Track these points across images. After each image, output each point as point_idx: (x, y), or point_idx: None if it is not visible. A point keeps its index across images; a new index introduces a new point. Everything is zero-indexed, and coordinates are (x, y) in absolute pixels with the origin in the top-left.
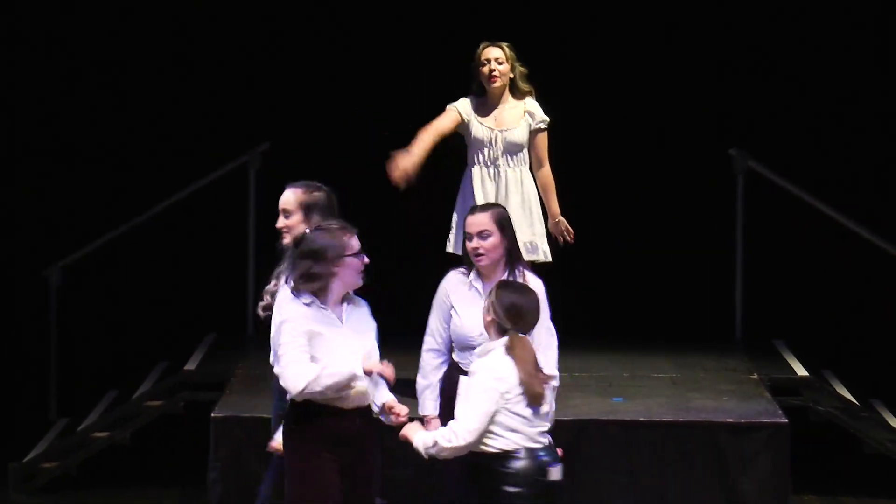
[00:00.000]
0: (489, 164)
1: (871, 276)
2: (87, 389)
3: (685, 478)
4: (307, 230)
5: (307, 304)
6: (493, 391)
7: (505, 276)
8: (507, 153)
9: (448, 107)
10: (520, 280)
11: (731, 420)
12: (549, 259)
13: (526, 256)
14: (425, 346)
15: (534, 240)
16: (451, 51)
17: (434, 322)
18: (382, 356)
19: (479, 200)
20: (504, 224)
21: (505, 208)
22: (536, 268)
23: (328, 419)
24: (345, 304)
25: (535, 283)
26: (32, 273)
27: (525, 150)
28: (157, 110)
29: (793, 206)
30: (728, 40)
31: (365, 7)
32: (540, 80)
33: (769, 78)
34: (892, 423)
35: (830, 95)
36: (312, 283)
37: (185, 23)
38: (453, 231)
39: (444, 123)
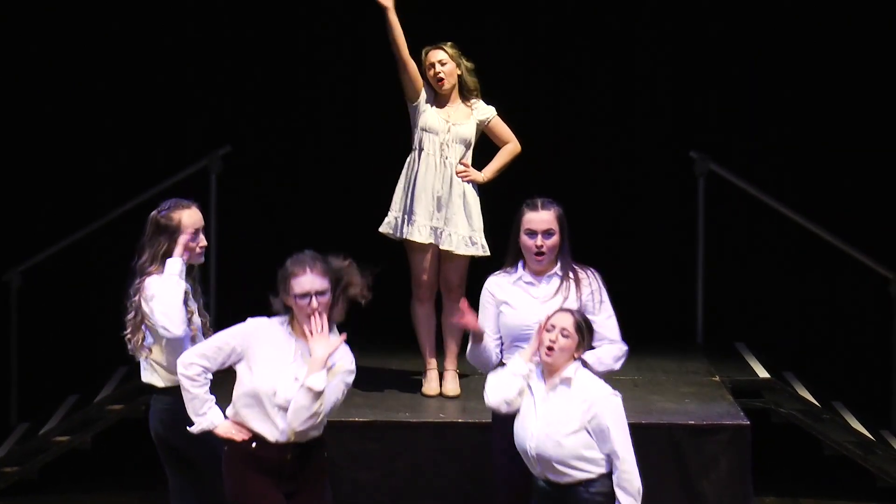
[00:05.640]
0: (437, 153)
1: (832, 278)
2: (47, 394)
3: (646, 480)
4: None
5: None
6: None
7: (557, 269)
8: (456, 145)
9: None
10: (573, 271)
11: (692, 422)
12: (488, 253)
13: (464, 251)
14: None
15: (473, 235)
16: (413, 53)
17: (483, 323)
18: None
19: (421, 188)
20: (563, 221)
21: (561, 205)
22: (475, 262)
23: (259, 449)
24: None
25: (590, 272)
26: None
27: (471, 150)
28: (117, 113)
29: (754, 209)
30: (690, 44)
31: (325, 10)
32: (502, 84)
33: (730, 81)
34: (853, 425)
35: (791, 98)
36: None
37: (146, 25)
38: (392, 212)
39: (415, 68)
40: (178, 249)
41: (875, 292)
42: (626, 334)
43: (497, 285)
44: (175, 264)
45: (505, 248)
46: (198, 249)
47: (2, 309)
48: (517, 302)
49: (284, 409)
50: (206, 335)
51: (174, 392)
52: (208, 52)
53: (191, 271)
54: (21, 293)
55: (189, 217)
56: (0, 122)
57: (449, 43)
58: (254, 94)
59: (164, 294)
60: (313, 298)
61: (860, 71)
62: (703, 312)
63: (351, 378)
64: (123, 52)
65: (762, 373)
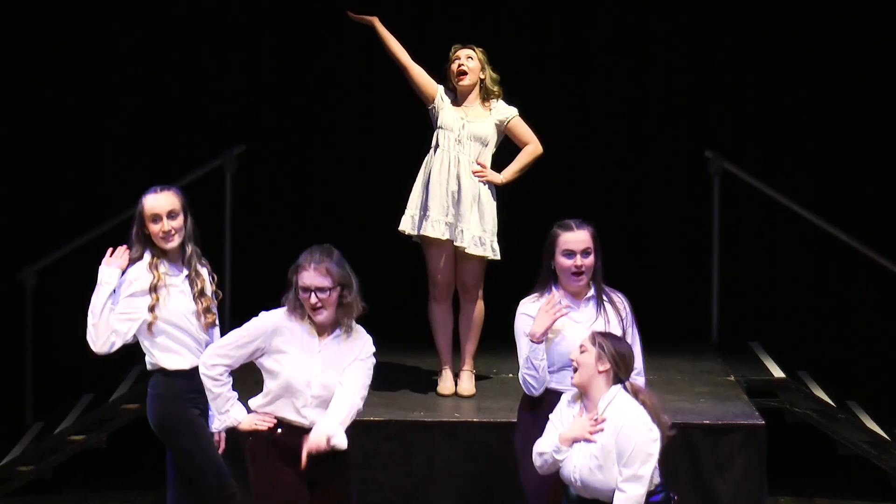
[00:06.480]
0: (452, 150)
1: (847, 277)
2: (62, 393)
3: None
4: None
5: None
6: (657, 443)
7: (593, 292)
8: (471, 143)
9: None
10: (607, 294)
11: (707, 422)
12: (498, 257)
13: (473, 250)
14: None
15: (483, 235)
16: (427, 52)
17: (522, 351)
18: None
19: (435, 184)
20: (598, 240)
21: (593, 224)
22: (486, 264)
23: (284, 436)
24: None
25: (620, 297)
26: (6, 276)
27: (488, 149)
28: (132, 112)
29: (768, 208)
30: (705, 43)
31: (339, 9)
32: (518, 82)
33: (745, 80)
34: (867, 425)
35: (805, 97)
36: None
37: (160, 23)
38: (409, 210)
39: (420, 71)
40: (110, 258)
41: (890, 292)
42: (641, 334)
43: (535, 311)
44: (100, 273)
45: (516, 255)
46: (160, 234)
47: (16, 308)
48: (563, 328)
49: (316, 398)
50: (209, 320)
51: (155, 374)
52: (223, 51)
53: (183, 253)
54: (36, 292)
55: (149, 202)
56: (15, 122)
57: (480, 48)
58: (269, 92)
59: (91, 302)
60: (313, 294)
61: (875, 69)
62: (717, 312)
63: (372, 362)
64: (139, 51)
65: (777, 372)
